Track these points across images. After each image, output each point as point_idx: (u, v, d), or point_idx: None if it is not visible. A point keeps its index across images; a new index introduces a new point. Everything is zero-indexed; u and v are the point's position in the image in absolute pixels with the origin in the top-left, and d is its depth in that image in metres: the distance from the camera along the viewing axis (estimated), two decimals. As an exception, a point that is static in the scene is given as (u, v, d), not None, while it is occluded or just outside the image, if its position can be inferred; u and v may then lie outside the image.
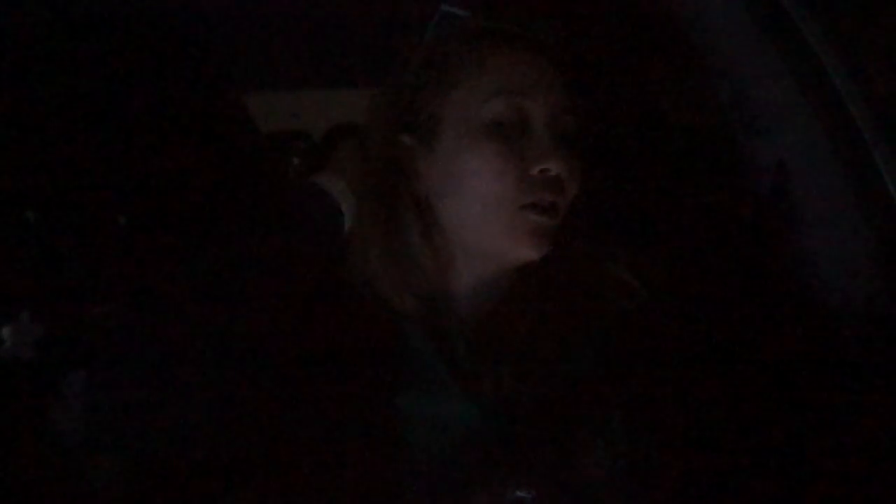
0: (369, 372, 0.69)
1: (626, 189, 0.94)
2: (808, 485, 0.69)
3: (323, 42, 1.35)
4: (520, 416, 0.67)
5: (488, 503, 0.64)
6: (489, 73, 0.72)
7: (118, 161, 1.11)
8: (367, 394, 0.68)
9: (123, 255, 1.08)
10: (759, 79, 0.88)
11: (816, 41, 0.82)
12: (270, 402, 0.66)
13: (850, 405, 0.75)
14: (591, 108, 0.76)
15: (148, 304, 0.67)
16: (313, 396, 0.67)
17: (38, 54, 1.04)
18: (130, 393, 0.66)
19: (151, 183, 1.14)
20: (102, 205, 1.09)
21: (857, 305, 0.82)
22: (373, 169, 0.75)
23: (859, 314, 0.81)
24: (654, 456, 0.66)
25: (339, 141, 0.79)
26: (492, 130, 0.70)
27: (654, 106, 1.00)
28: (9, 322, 1.00)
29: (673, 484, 0.65)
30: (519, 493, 0.62)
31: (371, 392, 0.68)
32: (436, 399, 0.70)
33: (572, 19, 0.83)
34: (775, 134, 0.87)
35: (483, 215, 0.70)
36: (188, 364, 0.63)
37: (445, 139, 0.72)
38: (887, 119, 0.80)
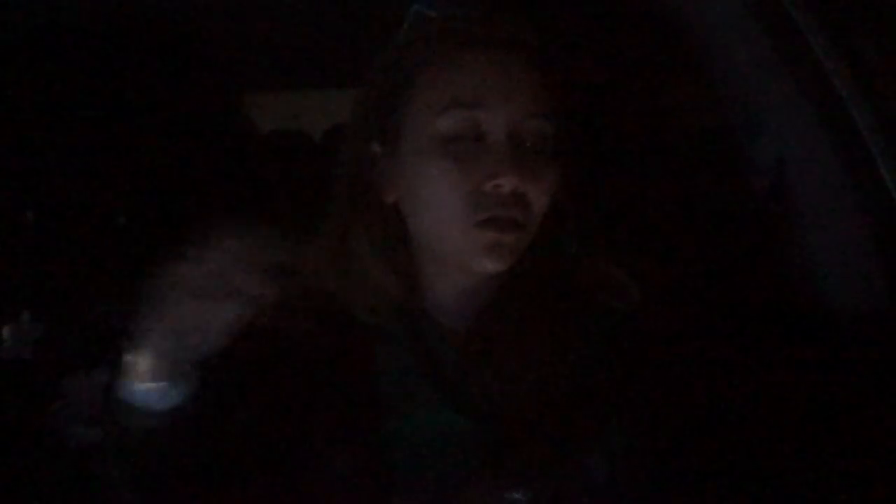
0: (347, 398, 0.69)
1: (623, 188, 0.94)
2: (809, 486, 0.69)
3: (323, 42, 1.36)
4: (511, 421, 0.67)
5: (482, 504, 0.64)
6: (444, 82, 0.69)
7: (118, 161, 1.11)
8: (347, 421, 0.68)
9: (123, 255, 1.08)
10: (760, 79, 0.88)
11: (817, 41, 0.82)
12: (244, 432, 0.66)
13: (850, 405, 0.75)
14: (579, 107, 0.75)
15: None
16: (290, 428, 0.67)
17: (38, 55, 1.04)
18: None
19: (151, 183, 1.14)
20: (102, 205, 1.09)
21: (856, 304, 0.82)
22: (341, 175, 0.75)
23: (859, 313, 0.81)
24: (651, 460, 0.66)
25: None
26: (444, 145, 0.67)
27: (654, 105, 1.00)
28: (9, 322, 1.00)
29: (671, 488, 0.65)
30: (515, 495, 0.62)
31: (352, 418, 0.68)
32: (421, 412, 0.69)
33: (559, 18, 0.82)
34: (775, 134, 0.87)
35: (439, 230, 0.69)
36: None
37: (405, 150, 0.70)
38: (887, 118, 0.80)
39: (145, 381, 0.63)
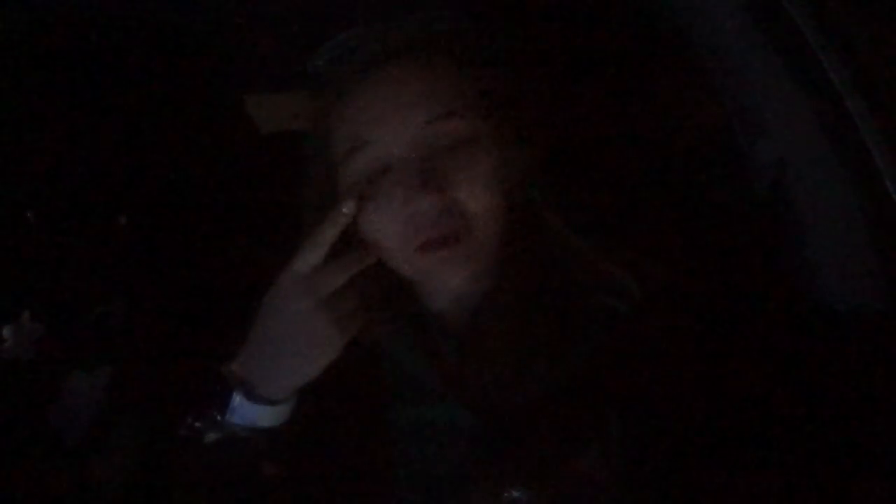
0: (350, 391, 0.69)
1: (623, 187, 0.94)
2: (808, 486, 0.69)
3: (323, 42, 1.35)
4: (511, 417, 0.67)
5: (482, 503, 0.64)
6: (340, 127, 0.69)
7: (119, 161, 1.11)
8: (354, 415, 0.69)
9: (123, 255, 1.08)
10: (759, 79, 0.88)
11: (816, 41, 0.82)
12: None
13: (850, 406, 0.75)
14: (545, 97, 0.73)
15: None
16: (302, 424, 0.68)
17: (38, 54, 1.04)
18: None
19: (152, 183, 1.14)
20: (102, 205, 1.09)
21: (856, 304, 0.82)
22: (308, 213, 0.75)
23: (859, 314, 0.81)
24: (651, 458, 0.66)
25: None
26: (360, 188, 0.67)
27: (654, 105, 1.00)
28: (9, 322, 1.00)
29: (671, 486, 0.65)
30: (514, 493, 0.62)
31: (358, 412, 0.69)
32: (424, 407, 0.70)
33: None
34: (775, 134, 0.87)
35: (391, 259, 0.69)
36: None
37: (341, 193, 0.71)
38: (887, 119, 0.80)
39: (262, 401, 0.66)
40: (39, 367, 1.01)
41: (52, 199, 1.06)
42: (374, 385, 0.71)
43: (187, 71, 1.11)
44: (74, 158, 1.08)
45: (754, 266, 0.89)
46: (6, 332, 1.00)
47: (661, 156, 0.98)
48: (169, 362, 1.01)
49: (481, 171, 0.67)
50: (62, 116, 1.07)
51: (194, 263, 1.12)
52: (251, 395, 0.66)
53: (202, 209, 1.16)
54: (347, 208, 0.67)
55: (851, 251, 0.83)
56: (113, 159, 1.10)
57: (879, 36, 0.83)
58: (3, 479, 0.96)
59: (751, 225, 0.91)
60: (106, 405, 1.02)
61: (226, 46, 1.11)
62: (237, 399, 0.66)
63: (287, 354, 0.65)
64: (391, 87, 0.67)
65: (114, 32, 1.05)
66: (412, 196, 0.65)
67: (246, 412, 0.66)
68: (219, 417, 0.66)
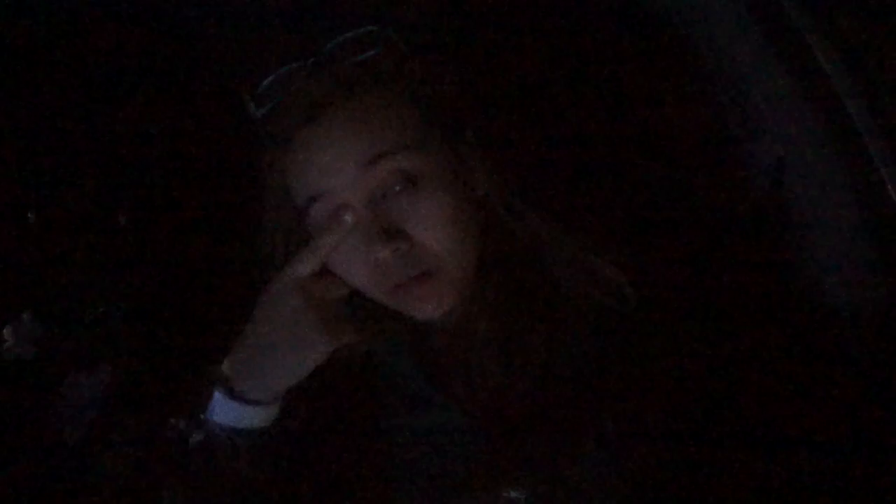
0: (348, 400, 0.70)
1: (621, 186, 0.94)
2: (806, 487, 0.69)
3: (324, 42, 1.35)
4: (506, 419, 0.67)
5: (481, 504, 0.64)
6: (291, 179, 0.68)
7: (119, 160, 1.11)
8: (349, 422, 0.69)
9: (123, 255, 1.08)
10: (759, 79, 0.88)
11: (816, 41, 0.82)
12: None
13: (849, 405, 0.75)
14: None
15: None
16: (297, 432, 0.68)
17: (38, 52, 1.04)
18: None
19: (152, 182, 1.14)
20: (102, 205, 1.09)
21: (855, 305, 0.82)
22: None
23: (858, 314, 0.81)
24: (649, 457, 0.66)
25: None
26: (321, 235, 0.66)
27: (652, 105, 1.00)
28: (9, 322, 1.00)
29: (669, 485, 0.65)
30: (513, 494, 0.62)
31: (352, 416, 0.69)
32: (419, 412, 0.70)
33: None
34: (775, 134, 0.87)
35: (368, 295, 0.69)
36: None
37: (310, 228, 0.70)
38: (887, 119, 0.80)
39: (244, 401, 0.66)
40: (39, 367, 1.01)
41: (53, 199, 1.06)
42: (370, 392, 0.71)
43: (187, 70, 1.11)
44: (74, 158, 1.08)
45: (753, 266, 0.89)
46: (6, 332, 1.01)
47: (660, 156, 0.98)
48: (168, 362, 1.01)
49: (441, 208, 0.65)
50: (63, 115, 1.07)
51: (194, 263, 1.12)
52: (233, 394, 0.65)
53: (202, 210, 1.16)
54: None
55: (851, 251, 0.83)
56: (113, 159, 1.11)
57: (879, 35, 0.83)
58: (4, 479, 0.96)
59: (750, 225, 0.91)
60: (106, 405, 1.02)
61: (226, 46, 1.11)
62: (218, 397, 0.66)
63: (273, 355, 0.64)
64: (331, 134, 0.65)
65: (116, 31, 1.06)
66: (372, 246, 0.64)
67: (227, 412, 0.65)
68: (202, 416, 0.66)
